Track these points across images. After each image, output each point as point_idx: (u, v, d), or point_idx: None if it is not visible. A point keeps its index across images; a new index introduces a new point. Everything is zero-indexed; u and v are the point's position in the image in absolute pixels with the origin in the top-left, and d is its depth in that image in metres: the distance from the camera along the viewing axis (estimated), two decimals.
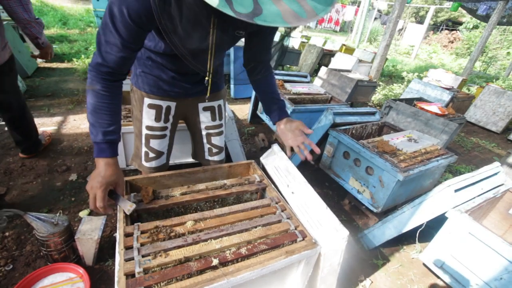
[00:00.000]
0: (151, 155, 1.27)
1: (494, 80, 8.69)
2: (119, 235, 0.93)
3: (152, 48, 1.03)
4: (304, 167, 2.64)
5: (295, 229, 1.06)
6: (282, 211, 1.16)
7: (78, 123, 2.86)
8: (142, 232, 0.94)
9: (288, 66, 6.20)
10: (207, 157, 1.42)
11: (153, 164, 1.29)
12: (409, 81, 6.21)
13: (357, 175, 1.95)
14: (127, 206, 0.95)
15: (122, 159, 2.04)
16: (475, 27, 16.42)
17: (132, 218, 1.08)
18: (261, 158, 1.54)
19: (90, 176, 0.89)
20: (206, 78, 1.08)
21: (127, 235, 0.93)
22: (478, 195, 1.55)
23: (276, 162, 1.52)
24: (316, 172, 2.56)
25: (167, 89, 1.17)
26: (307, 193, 1.23)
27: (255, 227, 1.04)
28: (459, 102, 4.53)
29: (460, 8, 8.18)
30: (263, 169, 1.52)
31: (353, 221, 2.14)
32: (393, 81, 7.37)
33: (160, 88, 1.16)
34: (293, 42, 6.76)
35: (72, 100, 3.32)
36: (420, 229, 1.58)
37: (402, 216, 1.65)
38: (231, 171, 1.43)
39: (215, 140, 1.39)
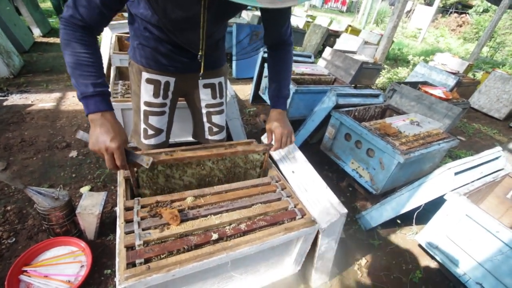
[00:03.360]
0: (150, 132, 1.25)
1: (500, 66, 8.51)
2: (119, 209, 0.94)
3: (148, 19, 0.99)
4: (304, 148, 2.63)
5: (295, 207, 1.07)
6: (282, 189, 1.16)
7: (77, 100, 2.82)
8: (142, 207, 0.94)
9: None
10: (207, 136, 1.40)
11: (152, 141, 1.28)
12: (414, 65, 6.07)
13: (358, 157, 1.94)
14: (144, 160, 0.89)
15: None
16: (485, 10, 15.85)
17: (133, 194, 1.08)
18: (262, 138, 1.53)
19: (91, 135, 0.80)
20: (200, 53, 1.05)
21: (127, 209, 0.93)
22: (477, 179, 1.55)
23: None
24: (316, 154, 2.56)
25: (165, 63, 1.13)
26: (307, 172, 1.23)
27: (255, 204, 1.04)
28: (464, 87, 4.45)
29: None
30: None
31: (352, 202, 2.17)
32: (398, 64, 7.22)
33: (158, 61, 1.12)
34: (298, 21, 6.54)
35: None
36: (418, 210, 1.59)
37: (400, 198, 1.66)
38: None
39: (216, 119, 1.37)
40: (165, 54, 1.10)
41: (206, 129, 1.39)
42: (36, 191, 1.29)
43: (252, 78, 3.86)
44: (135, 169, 0.99)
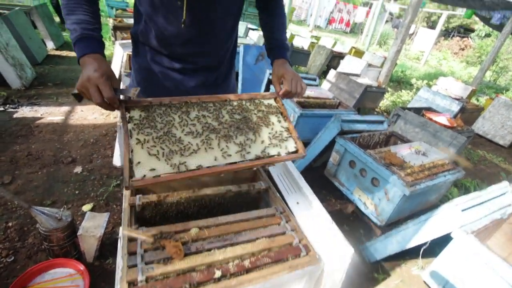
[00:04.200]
0: None
1: (504, 92, 8.56)
2: (122, 238, 0.93)
3: (140, 31, 1.05)
4: (307, 172, 2.62)
5: (299, 242, 1.05)
6: (287, 222, 1.14)
7: (86, 114, 2.87)
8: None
9: (297, 66, 6.15)
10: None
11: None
12: (418, 89, 6.13)
13: (362, 185, 1.93)
14: (130, 91, 0.86)
15: (118, 157, 2.04)
16: (488, 35, 16.15)
17: (137, 217, 1.08)
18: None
19: (80, 76, 0.78)
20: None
21: (131, 239, 0.92)
22: (485, 216, 1.53)
23: (282, 168, 1.51)
24: (319, 178, 2.54)
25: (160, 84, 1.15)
26: (313, 205, 1.22)
27: (259, 238, 1.03)
28: (468, 113, 4.47)
29: (473, 16, 8.04)
30: (268, 174, 1.51)
31: (355, 231, 2.13)
32: (401, 86, 7.29)
33: (151, 83, 1.14)
34: (303, 42, 6.70)
35: None
36: (424, 247, 1.56)
37: (406, 232, 1.63)
38: (237, 175, 1.42)
39: None
40: (160, 73, 1.13)
41: None
42: (40, 211, 1.29)
43: None
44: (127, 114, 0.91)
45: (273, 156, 1.02)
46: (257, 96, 1.17)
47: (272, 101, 1.19)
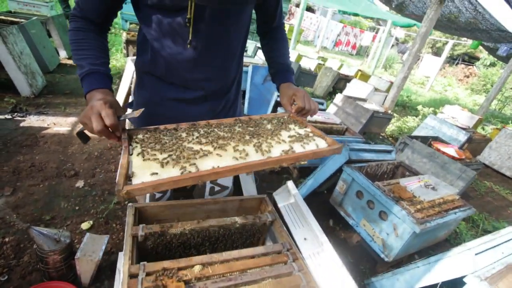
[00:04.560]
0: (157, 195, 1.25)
1: (510, 122, 8.55)
2: (123, 273, 0.89)
3: (145, 62, 1.04)
4: (311, 197, 2.57)
5: (307, 284, 1.00)
6: (294, 260, 1.09)
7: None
8: (148, 274, 0.89)
9: (303, 87, 6.20)
10: (207, 196, 1.37)
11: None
12: (424, 115, 6.14)
13: (370, 218, 1.88)
14: (134, 114, 0.83)
15: None
16: (493, 64, 16.37)
17: (139, 247, 1.03)
18: (274, 194, 1.49)
19: (83, 113, 0.75)
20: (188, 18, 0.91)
21: (132, 275, 0.88)
22: (498, 260, 1.46)
23: (289, 200, 1.48)
24: (324, 204, 2.49)
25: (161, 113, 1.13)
26: (321, 244, 1.17)
27: (265, 279, 0.98)
28: (475, 143, 4.44)
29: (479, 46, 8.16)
30: (275, 205, 1.47)
31: (360, 264, 2.05)
32: (406, 111, 7.31)
33: (158, 117, 1.11)
34: (310, 64, 6.79)
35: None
36: None
37: (415, 271, 1.56)
38: (242, 205, 1.38)
39: (220, 179, 1.34)
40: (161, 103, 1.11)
41: (207, 188, 1.36)
42: (39, 231, 1.25)
43: None
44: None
45: (303, 152, 0.88)
46: (269, 117, 1.15)
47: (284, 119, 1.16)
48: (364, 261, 2.08)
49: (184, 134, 0.91)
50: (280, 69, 1.20)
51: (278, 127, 1.04)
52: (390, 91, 5.42)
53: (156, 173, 0.72)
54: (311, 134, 1.00)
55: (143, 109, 0.84)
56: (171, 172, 0.73)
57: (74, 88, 3.68)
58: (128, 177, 0.71)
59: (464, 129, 4.27)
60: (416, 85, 13.12)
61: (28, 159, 2.18)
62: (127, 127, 1.01)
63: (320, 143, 0.95)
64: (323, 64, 7.08)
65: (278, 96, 2.92)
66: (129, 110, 1.12)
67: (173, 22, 0.90)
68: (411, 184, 1.97)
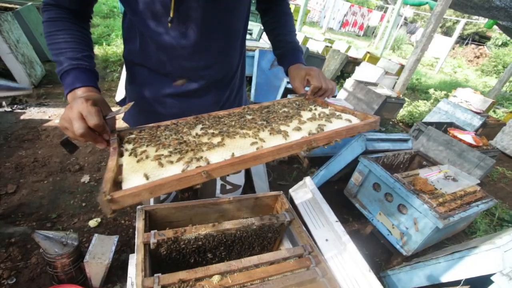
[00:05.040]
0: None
1: None
2: (136, 286, 0.82)
3: (134, 51, 0.90)
4: (324, 187, 2.50)
5: None
6: (317, 264, 1.02)
7: None
8: (163, 287, 0.82)
9: None
10: (218, 195, 1.27)
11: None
12: (436, 99, 5.93)
13: (387, 211, 1.80)
14: (121, 110, 0.68)
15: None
16: (504, 44, 15.76)
17: (151, 254, 0.97)
18: (290, 191, 1.41)
19: (62, 115, 0.62)
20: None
21: None
22: None
23: (307, 196, 1.39)
24: (337, 194, 2.41)
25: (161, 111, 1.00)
26: (345, 245, 1.10)
27: (288, 287, 0.91)
28: (490, 128, 4.29)
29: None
30: (291, 202, 1.39)
31: (376, 256, 2.00)
32: (416, 95, 7.09)
33: (154, 114, 0.99)
34: (317, 46, 6.53)
35: None
36: (458, 287, 1.42)
37: (436, 267, 1.50)
38: (257, 203, 1.30)
39: (232, 177, 1.25)
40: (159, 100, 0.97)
41: (218, 187, 1.27)
42: (44, 235, 1.19)
43: None
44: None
45: (336, 129, 0.72)
46: (282, 101, 0.98)
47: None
48: (379, 253, 2.03)
49: (185, 129, 0.78)
50: (287, 49, 1.04)
51: (297, 110, 0.89)
52: (401, 74, 5.21)
53: (153, 173, 0.57)
54: (337, 112, 0.84)
55: (132, 102, 0.71)
56: (173, 170, 0.58)
57: None
58: (118, 183, 0.56)
59: (478, 113, 4.11)
60: (425, 66, 12.71)
61: (31, 154, 2.11)
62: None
63: (351, 119, 0.78)
64: (331, 47, 6.82)
65: (288, 82, 2.77)
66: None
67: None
68: (431, 175, 1.87)
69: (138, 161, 0.62)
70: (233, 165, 0.60)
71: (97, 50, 4.56)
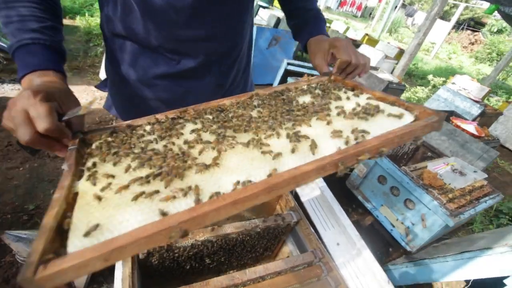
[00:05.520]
0: None
1: None
2: None
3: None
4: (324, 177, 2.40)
5: None
6: (328, 273, 0.92)
7: (77, 96, 2.52)
8: None
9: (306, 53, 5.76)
10: None
11: None
12: (434, 86, 5.85)
13: (392, 205, 1.71)
14: (80, 109, 0.49)
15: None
16: (500, 31, 15.69)
17: (141, 266, 0.84)
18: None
19: (4, 112, 0.46)
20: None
21: None
22: None
23: (314, 193, 1.28)
24: (334, 183, 2.32)
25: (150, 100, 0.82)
26: (359, 250, 0.99)
27: None
28: (487, 117, 4.25)
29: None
30: (296, 199, 1.27)
31: (375, 249, 1.94)
32: (412, 80, 6.99)
33: (142, 102, 0.82)
34: None
35: (71, 66, 2.95)
36: (467, 286, 1.37)
37: (443, 265, 1.44)
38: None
39: None
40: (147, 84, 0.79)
41: None
42: (16, 236, 1.03)
43: (271, 85, 3.60)
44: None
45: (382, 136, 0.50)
46: (298, 85, 0.78)
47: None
48: (379, 246, 1.97)
49: (172, 131, 0.57)
50: (307, 18, 0.86)
51: (321, 99, 0.69)
52: (401, 59, 5.06)
53: (114, 223, 0.36)
54: (376, 102, 0.62)
55: (95, 100, 0.53)
56: (144, 214, 0.37)
57: None
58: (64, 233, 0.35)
59: (477, 102, 4.05)
60: (421, 52, 12.56)
61: (4, 137, 1.90)
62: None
63: (400, 114, 0.56)
64: (329, 27, 6.54)
65: (288, 63, 2.58)
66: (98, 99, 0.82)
67: None
68: (438, 168, 1.78)
69: (94, 187, 0.42)
70: (235, 205, 0.39)
71: (79, 21, 4.18)
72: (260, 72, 3.74)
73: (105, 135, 0.55)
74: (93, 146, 0.52)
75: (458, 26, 20.05)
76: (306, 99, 0.71)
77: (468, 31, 18.24)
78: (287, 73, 2.64)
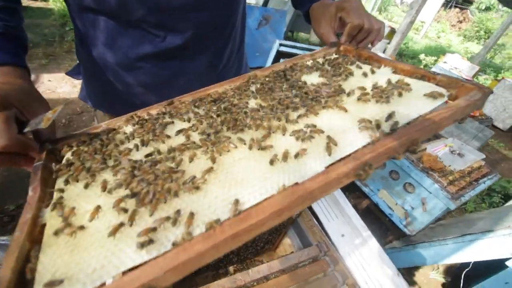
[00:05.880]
0: None
1: (502, 71, 8.44)
2: None
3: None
4: None
5: None
6: (335, 266, 0.87)
7: (54, 85, 2.35)
8: None
9: (297, 33, 5.57)
10: None
11: None
12: (426, 65, 5.81)
13: (391, 189, 1.68)
14: (42, 119, 0.40)
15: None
16: (488, 8, 15.66)
17: None
18: None
19: None
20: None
21: None
22: None
23: None
24: None
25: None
26: (367, 243, 0.95)
27: None
28: None
29: None
30: None
31: (372, 230, 1.94)
32: (403, 60, 6.93)
33: (121, 89, 0.71)
34: None
35: (47, 53, 2.73)
36: (467, 269, 1.37)
37: (442, 248, 1.43)
38: None
39: None
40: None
41: None
42: None
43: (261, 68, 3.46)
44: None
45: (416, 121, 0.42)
46: (302, 60, 0.67)
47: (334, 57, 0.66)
48: (376, 228, 1.97)
49: (156, 133, 0.47)
50: None
51: (332, 77, 0.58)
52: (393, 38, 4.97)
53: (84, 272, 0.28)
54: (402, 78, 0.51)
55: (58, 108, 0.41)
56: (122, 257, 0.29)
57: None
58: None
59: (469, 81, 4.03)
60: (411, 31, 12.45)
61: None
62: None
63: (434, 92, 0.46)
64: None
65: (280, 44, 2.44)
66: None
67: None
68: (437, 150, 1.75)
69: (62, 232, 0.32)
70: (235, 238, 0.30)
71: (53, 3, 3.86)
72: (250, 54, 3.58)
73: (78, 144, 0.45)
74: (64, 160, 0.42)
75: (447, 4, 19.91)
76: (313, 79, 0.61)
77: (457, 9, 18.14)
78: (280, 55, 2.52)
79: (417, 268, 1.78)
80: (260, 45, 3.59)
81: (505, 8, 10.99)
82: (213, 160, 0.40)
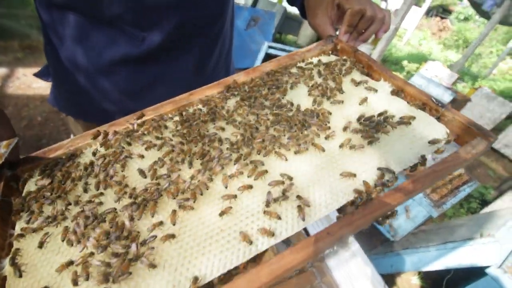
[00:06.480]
0: None
1: (479, 80, 8.86)
2: None
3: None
4: None
5: None
6: (322, 279, 0.86)
7: (30, 80, 2.21)
8: None
9: (285, 35, 5.59)
10: None
11: None
12: (408, 72, 5.99)
13: None
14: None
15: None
16: (466, 18, 16.41)
17: None
18: None
19: None
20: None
21: None
22: None
23: None
24: None
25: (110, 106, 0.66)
26: (351, 250, 0.94)
27: None
28: (457, 104, 4.45)
29: None
30: None
31: (359, 237, 1.96)
32: (386, 66, 7.12)
33: (94, 94, 0.65)
34: (294, 9, 6.06)
35: (23, 46, 2.57)
36: (448, 276, 1.41)
37: (425, 255, 1.46)
38: None
39: None
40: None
41: None
42: None
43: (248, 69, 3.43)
44: None
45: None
46: (293, 59, 0.63)
47: (329, 58, 0.62)
48: (361, 235, 1.99)
49: (120, 166, 0.46)
50: None
51: (321, 96, 0.54)
52: (378, 44, 5.08)
53: None
54: (402, 105, 0.50)
55: (15, 139, 0.37)
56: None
57: (1, 28, 2.81)
58: None
59: (449, 88, 4.20)
60: (394, 37, 12.83)
61: None
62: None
63: (434, 141, 0.45)
64: None
65: (269, 46, 2.43)
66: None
67: None
68: None
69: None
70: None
71: None
72: (238, 55, 3.54)
73: (38, 177, 0.42)
74: (23, 195, 0.41)
75: (428, 12, 20.67)
76: (301, 98, 0.58)
77: (438, 18, 18.90)
78: (268, 57, 2.50)
79: (399, 273, 1.81)
80: (249, 46, 3.57)
81: (481, 19, 11.57)
82: (173, 221, 0.42)
